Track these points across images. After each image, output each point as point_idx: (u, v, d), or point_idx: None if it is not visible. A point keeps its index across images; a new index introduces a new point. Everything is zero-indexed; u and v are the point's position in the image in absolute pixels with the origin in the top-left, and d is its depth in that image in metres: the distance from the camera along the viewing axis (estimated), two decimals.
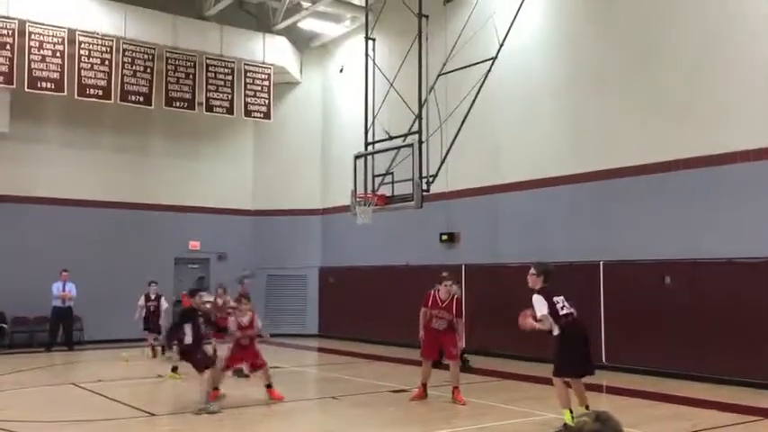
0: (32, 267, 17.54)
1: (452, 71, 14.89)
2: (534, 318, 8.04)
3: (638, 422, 8.67)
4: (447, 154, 14.26)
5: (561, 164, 14.61)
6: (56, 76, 17.13)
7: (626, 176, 13.42)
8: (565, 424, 7.91)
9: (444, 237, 17.13)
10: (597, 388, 11.58)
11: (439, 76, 14.86)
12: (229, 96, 19.76)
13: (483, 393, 11.18)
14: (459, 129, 14.28)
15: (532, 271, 8.38)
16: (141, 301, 15.68)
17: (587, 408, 8.31)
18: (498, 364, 14.05)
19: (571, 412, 7.99)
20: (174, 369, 12.33)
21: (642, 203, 13.16)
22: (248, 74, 20.15)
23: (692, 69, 12.51)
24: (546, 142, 15.02)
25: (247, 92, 20.07)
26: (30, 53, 16.81)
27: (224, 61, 19.74)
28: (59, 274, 17.08)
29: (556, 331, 8.07)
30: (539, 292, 8.25)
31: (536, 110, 15.30)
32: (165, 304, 15.87)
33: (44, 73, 17.01)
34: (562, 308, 8.22)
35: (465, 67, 14.79)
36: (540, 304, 8.09)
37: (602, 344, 13.32)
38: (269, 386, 10.37)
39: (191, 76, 19.18)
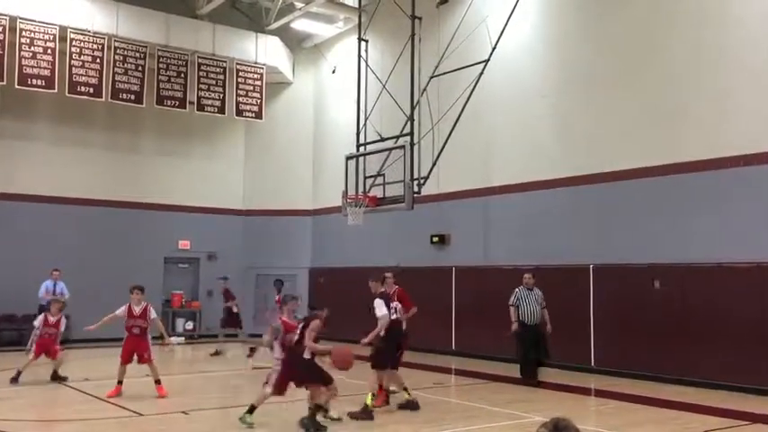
0: (20, 265, 17.42)
1: (445, 73, 14.89)
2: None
3: (624, 425, 8.69)
4: (439, 156, 14.26)
5: (552, 167, 14.64)
6: (47, 73, 17.04)
7: (617, 180, 13.45)
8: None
9: (435, 238, 17.14)
10: (585, 391, 11.62)
11: (431, 77, 14.87)
12: (221, 96, 19.71)
13: (471, 396, 11.19)
14: (451, 131, 14.28)
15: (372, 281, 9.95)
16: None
17: (406, 390, 9.75)
18: (486, 366, 14.06)
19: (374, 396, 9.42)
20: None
21: (633, 207, 13.20)
22: (240, 73, 20.11)
23: (685, 72, 12.55)
24: (537, 145, 15.05)
25: (239, 91, 20.03)
26: (20, 50, 16.71)
27: (216, 60, 19.69)
28: (50, 273, 16.73)
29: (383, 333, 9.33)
30: (379, 296, 9.59)
31: (528, 113, 15.33)
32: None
33: (35, 70, 16.91)
34: (394, 312, 9.74)
35: (457, 69, 14.80)
36: (380, 306, 9.42)
37: (592, 347, 13.36)
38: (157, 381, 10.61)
39: (182, 75, 19.12)
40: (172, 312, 20.41)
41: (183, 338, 19.94)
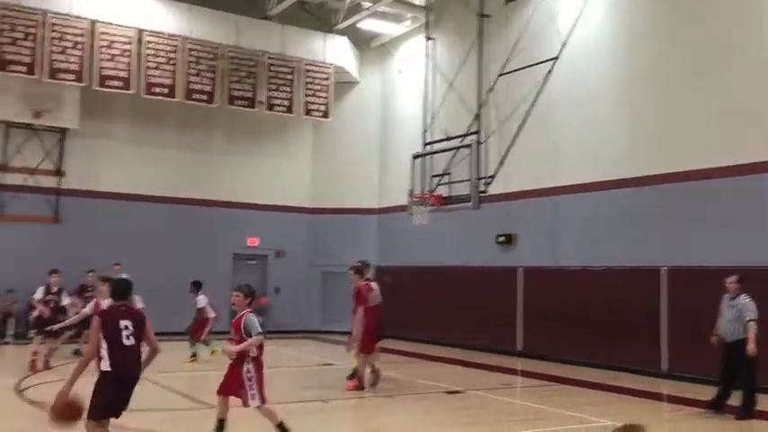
0: (95, 261, 17.98)
1: (512, 71, 14.75)
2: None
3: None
4: (506, 155, 14.14)
5: (622, 166, 14.29)
6: (124, 74, 17.66)
7: (689, 180, 13.04)
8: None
9: (501, 238, 16.97)
10: (657, 396, 11.31)
11: (499, 76, 14.75)
12: (289, 95, 20.00)
13: (539, 398, 11.04)
14: (519, 129, 14.14)
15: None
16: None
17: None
18: (555, 368, 13.84)
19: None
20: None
21: (706, 207, 12.77)
22: (309, 73, 20.36)
23: (758, 72, 12.07)
24: (607, 144, 14.71)
25: (307, 91, 20.28)
26: (100, 52, 17.37)
27: (285, 61, 19.99)
28: (113, 267, 17.26)
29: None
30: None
31: (597, 111, 14.99)
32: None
33: (113, 72, 17.55)
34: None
35: (525, 67, 14.64)
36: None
37: (666, 351, 12.98)
38: None
39: (252, 76, 19.51)
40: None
41: None
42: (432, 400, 10.74)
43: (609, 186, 14.56)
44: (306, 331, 20.54)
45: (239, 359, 7.21)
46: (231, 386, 7.28)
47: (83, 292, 14.86)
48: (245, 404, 7.17)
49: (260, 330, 7.22)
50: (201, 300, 14.30)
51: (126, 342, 5.87)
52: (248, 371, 7.16)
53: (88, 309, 10.69)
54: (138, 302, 12.12)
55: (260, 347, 7.30)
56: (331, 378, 12.39)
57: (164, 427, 7.85)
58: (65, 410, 5.63)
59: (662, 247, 13.38)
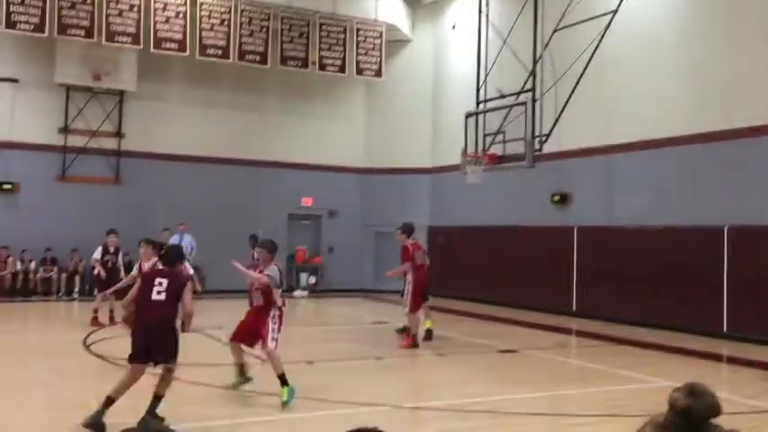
0: (154, 220, 18.44)
1: (569, 26, 14.33)
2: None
3: (762, 392, 8.27)
4: (561, 112, 13.84)
5: (684, 122, 13.84)
6: (179, 36, 17.85)
7: (756, 136, 12.56)
8: None
9: (556, 197, 16.73)
10: (716, 357, 11.10)
11: (555, 31, 14.36)
12: (341, 55, 19.93)
13: (594, 358, 10.97)
14: (575, 86, 13.79)
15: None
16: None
17: None
18: (611, 328, 13.69)
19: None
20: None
21: None
22: (360, 32, 20.22)
23: None
24: (668, 100, 14.25)
25: (359, 50, 20.16)
26: (155, 14, 17.58)
27: (337, 20, 19.88)
28: (176, 227, 17.78)
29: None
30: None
31: (657, 65, 14.50)
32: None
33: (168, 34, 17.76)
34: None
35: (582, 21, 14.20)
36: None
37: (725, 312, 12.71)
38: None
39: (304, 36, 19.49)
40: (295, 267, 21.16)
41: (307, 292, 20.67)
42: (485, 359, 10.79)
43: (668, 143, 14.14)
44: (359, 290, 20.78)
45: (266, 306, 7.52)
46: (247, 332, 7.56)
47: (159, 249, 15.21)
48: (264, 345, 7.42)
49: (279, 283, 7.53)
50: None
51: (155, 297, 6.29)
52: (274, 316, 7.49)
53: (135, 271, 11.00)
54: (189, 269, 12.55)
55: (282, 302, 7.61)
56: (384, 336, 12.54)
57: (213, 380, 8.08)
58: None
59: (724, 205, 12.98)
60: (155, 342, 6.26)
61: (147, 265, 10.25)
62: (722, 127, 13.12)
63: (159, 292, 6.28)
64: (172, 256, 6.72)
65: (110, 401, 6.08)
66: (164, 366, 6.35)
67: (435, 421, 7.14)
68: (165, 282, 6.32)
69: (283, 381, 7.21)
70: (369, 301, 19.39)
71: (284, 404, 7.08)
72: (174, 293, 6.31)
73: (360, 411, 7.11)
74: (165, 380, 6.35)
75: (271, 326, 7.44)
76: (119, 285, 12.24)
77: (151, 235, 13.06)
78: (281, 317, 7.59)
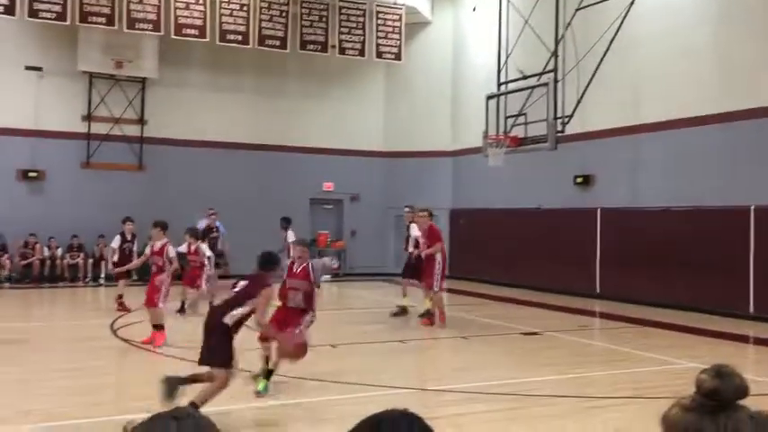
0: (177, 207, 18.55)
1: (591, 5, 14.15)
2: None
3: None
4: (584, 93, 13.70)
5: (710, 102, 13.64)
6: (199, 22, 17.89)
7: None
8: None
9: (579, 179, 16.61)
10: (743, 339, 11.01)
11: (577, 10, 14.19)
12: (361, 38, 19.86)
13: (618, 340, 10.93)
14: (598, 66, 13.64)
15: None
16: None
17: None
18: (635, 310, 13.62)
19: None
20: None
21: None
22: (380, 15, 20.11)
23: None
24: (693, 79, 14.04)
25: (379, 33, 20.07)
26: (175, 1, 17.62)
27: (356, 3, 19.79)
28: (206, 214, 17.71)
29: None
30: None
31: (683, 44, 14.28)
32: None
33: (188, 20, 17.81)
34: None
35: (605, 0, 14.01)
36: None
37: (751, 294, 12.58)
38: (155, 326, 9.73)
39: (324, 19, 19.43)
40: (318, 251, 21.22)
41: (330, 276, 20.74)
42: (508, 342, 10.78)
43: (693, 123, 13.96)
44: (381, 274, 20.82)
45: (306, 310, 7.70)
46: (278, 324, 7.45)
47: (208, 232, 15.33)
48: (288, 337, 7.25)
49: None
50: (291, 235, 14.62)
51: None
52: (308, 322, 7.68)
53: (147, 250, 11.08)
54: (206, 251, 12.72)
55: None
56: (407, 319, 12.58)
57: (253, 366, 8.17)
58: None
59: (750, 185, 12.81)
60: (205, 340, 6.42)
61: (157, 246, 10.42)
62: (748, 106, 12.91)
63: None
64: (261, 263, 6.86)
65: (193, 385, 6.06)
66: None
67: (460, 404, 7.16)
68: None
69: (269, 374, 7.22)
70: (391, 285, 19.42)
71: (258, 393, 7.03)
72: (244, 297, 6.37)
73: (384, 394, 7.17)
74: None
75: (301, 327, 7.51)
76: (131, 265, 12.61)
77: (178, 220, 13.23)
78: (311, 322, 7.70)
